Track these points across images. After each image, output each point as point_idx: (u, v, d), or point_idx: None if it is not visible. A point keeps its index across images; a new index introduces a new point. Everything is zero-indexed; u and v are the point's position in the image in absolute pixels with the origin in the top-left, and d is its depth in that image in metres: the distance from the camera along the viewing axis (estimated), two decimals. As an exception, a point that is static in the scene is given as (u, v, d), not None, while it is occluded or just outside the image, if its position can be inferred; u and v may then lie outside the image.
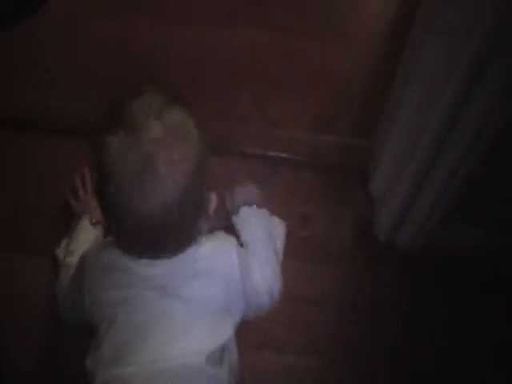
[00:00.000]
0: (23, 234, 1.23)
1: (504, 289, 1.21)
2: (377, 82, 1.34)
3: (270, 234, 1.02)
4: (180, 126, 0.73)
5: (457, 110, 0.91)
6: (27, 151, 1.30)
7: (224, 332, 0.83)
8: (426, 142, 0.99)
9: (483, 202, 1.12)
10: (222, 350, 0.83)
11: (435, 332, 1.18)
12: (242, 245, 0.95)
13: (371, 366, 1.13)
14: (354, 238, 1.24)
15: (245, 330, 0.88)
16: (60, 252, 1.10)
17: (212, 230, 0.88)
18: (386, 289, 1.19)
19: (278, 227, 1.08)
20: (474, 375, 1.14)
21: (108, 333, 0.80)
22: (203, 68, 1.37)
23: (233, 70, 1.38)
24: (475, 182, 1.04)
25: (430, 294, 1.21)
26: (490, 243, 1.20)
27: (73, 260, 0.99)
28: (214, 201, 0.82)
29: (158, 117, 0.71)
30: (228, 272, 0.83)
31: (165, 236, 0.74)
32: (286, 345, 1.12)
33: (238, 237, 0.98)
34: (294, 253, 1.14)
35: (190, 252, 0.79)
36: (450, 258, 1.21)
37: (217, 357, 0.81)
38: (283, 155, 1.31)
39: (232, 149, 1.29)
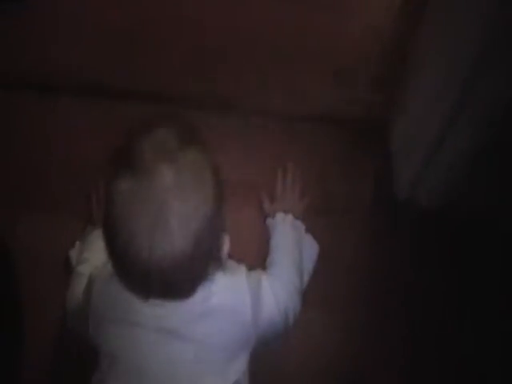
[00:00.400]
0: (49, 193, 1.24)
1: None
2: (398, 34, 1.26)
3: (299, 247, 0.98)
4: (195, 173, 0.68)
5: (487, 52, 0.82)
6: (50, 112, 1.31)
7: (237, 369, 0.80)
8: (453, 88, 0.92)
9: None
10: None
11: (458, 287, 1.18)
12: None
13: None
14: (373, 196, 1.23)
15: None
16: (73, 253, 1.09)
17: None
18: (404, 249, 1.18)
19: (312, 246, 1.03)
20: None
21: (110, 374, 0.78)
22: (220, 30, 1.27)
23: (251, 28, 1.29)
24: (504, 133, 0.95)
25: (451, 254, 1.18)
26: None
27: (85, 269, 0.97)
28: (226, 244, 0.78)
29: (171, 161, 0.66)
30: (239, 309, 0.79)
31: (174, 285, 0.72)
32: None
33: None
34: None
35: (200, 291, 0.76)
36: (471, 218, 1.18)
37: None
38: (301, 112, 1.30)
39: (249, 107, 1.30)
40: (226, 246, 0.78)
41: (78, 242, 1.10)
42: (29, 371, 1.07)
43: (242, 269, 0.83)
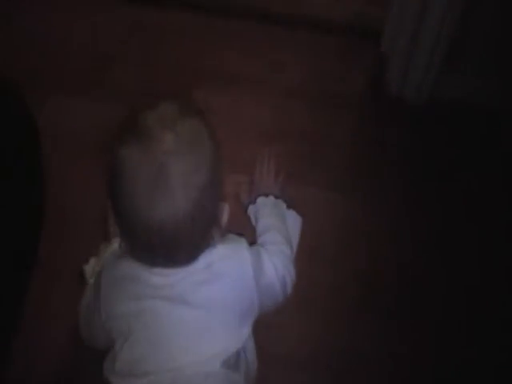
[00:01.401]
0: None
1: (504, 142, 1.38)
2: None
3: (285, 224, 1.01)
4: (193, 138, 0.72)
5: None
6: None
7: (240, 335, 0.82)
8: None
9: (480, 49, 1.33)
10: (238, 352, 0.82)
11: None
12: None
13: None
14: (367, 93, 1.44)
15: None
16: (88, 268, 1.09)
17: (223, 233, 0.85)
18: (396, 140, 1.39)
19: (295, 221, 1.06)
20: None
21: (123, 347, 0.79)
22: None
23: None
24: (469, 26, 1.25)
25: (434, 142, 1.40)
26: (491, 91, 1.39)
27: None
28: (226, 212, 0.80)
29: (171, 128, 0.71)
30: (241, 274, 0.82)
31: (176, 246, 0.74)
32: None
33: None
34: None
35: (202, 258, 0.78)
36: (454, 110, 1.41)
37: (232, 361, 0.81)
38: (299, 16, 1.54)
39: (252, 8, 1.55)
40: (225, 215, 0.80)
41: (92, 258, 1.10)
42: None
43: (243, 240, 0.85)
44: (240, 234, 0.88)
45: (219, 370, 0.78)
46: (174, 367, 0.77)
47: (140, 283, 0.79)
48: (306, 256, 1.08)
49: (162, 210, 0.69)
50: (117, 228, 0.77)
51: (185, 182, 0.69)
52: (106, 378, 0.81)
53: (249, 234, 0.94)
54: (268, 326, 1.00)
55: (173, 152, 0.69)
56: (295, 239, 1.03)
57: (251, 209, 1.04)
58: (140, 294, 0.79)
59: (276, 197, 1.04)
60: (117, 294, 0.81)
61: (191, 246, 0.76)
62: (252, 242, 0.91)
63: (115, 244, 1.02)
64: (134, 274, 0.79)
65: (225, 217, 0.80)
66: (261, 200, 1.03)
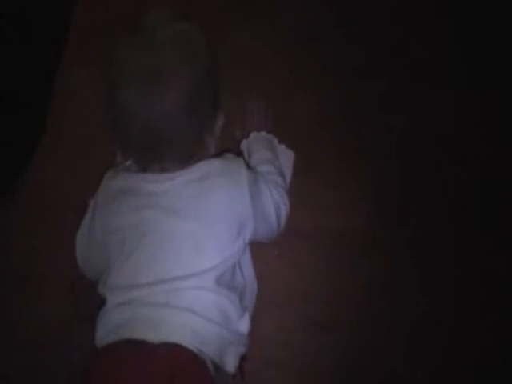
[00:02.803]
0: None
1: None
2: None
3: (277, 157, 1.02)
4: (188, 36, 0.76)
5: None
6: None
7: (234, 248, 0.81)
8: None
9: None
10: (233, 268, 0.82)
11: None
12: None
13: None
14: None
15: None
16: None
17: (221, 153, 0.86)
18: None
19: (287, 155, 1.07)
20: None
21: (119, 258, 0.78)
22: None
23: None
24: None
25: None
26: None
27: None
28: (221, 121, 0.82)
29: (166, 26, 0.75)
30: (237, 190, 0.81)
31: (169, 141, 0.76)
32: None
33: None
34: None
35: (198, 167, 0.79)
36: None
37: (227, 278, 0.80)
38: None
39: None
40: (219, 123, 0.82)
41: None
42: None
43: (241, 159, 0.86)
44: (238, 154, 0.88)
45: (212, 287, 0.77)
46: (168, 279, 0.76)
47: (135, 194, 0.79)
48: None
49: (156, 102, 0.72)
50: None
51: (178, 75, 0.72)
52: (102, 294, 0.79)
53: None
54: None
55: (167, 47, 0.73)
56: (288, 173, 1.04)
57: (244, 143, 1.05)
58: (135, 205, 0.79)
59: (267, 132, 1.05)
60: (113, 207, 0.81)
61: (181, 146, 0.77)
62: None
63: None
64: (129, 185, 0.79)
65: (219, 125, 0.82)
66: (254, 135, 1.04)
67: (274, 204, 0.88)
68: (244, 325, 0.81)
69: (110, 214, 0.80)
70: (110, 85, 0.75)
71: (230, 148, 0.97)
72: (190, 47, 0.75)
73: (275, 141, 1.05)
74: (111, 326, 0.76)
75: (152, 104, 0.72)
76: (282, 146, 1.06)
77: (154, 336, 0.73)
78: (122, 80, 0.73)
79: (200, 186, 0.78)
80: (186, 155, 0.78)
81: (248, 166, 0.87)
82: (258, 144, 1.02)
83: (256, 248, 0.91)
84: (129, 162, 0.86)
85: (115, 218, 0.80)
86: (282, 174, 0.97)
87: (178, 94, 0.72)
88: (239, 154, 0.99)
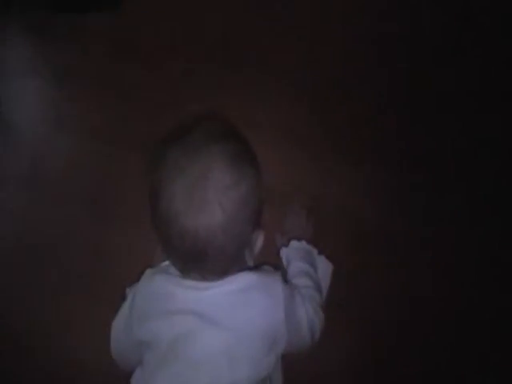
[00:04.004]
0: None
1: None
2: None
3: (316, 270, 1.02)
4: (236, 155, 0.76)
5: None
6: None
7: (268, 364, 0.81)
8: None
9: None
10: (264, 382, 0.82)
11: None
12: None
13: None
14: None
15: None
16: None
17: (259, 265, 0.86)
18: None
19: (326, 267, 1.07)
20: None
21: (148, 363, 0.80)
22: None
23: None
24: None
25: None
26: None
27: None
28: (261, 239, 0.81)
29: (216, 143, 0.76)
30: (272, 307, 0.81)
31: (208, 255, 0.75)
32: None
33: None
34: None
35: (236, 279, 0.79)
36: None
37: None
38: None
39: None
40: (260, 241, 0.81)
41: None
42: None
43: (279, 273, 0.85)
44: (276, 268, 0.88)
45: None
46: None
47: (173, 298, 0.79)
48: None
49: (197, 218, 0.72)
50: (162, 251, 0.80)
51: (222, 193, 0.72)
52: None
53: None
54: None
55: (214, 164, 0.73)
56: (325, 286, 1.03)
57: (283, 251, 1.05)
58: (172, 310, 0.79)
59: (308, 242, 1.05)
60: (149, 306, 0.81)
61: (222, 261, 0.77)
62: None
63: None
64: (168, 289, 0.80)
65: (259, 243, 0.81)
66: (293, 244, 1.04)
67: (309, 321, 0.87)
68: None
69: (147, 316, 0.81)
70: (153, 190, 0.75)
71: (270, 251, 0.98)
72: (239, 164, 0.75)
73: (315, 252, 1.05)
74: None
75: (192, 218, 0.72)
76: (322, 257, 1.06)
77: None
78: (166, 190, 0.73)
79: (236, 299, 0.79)
80: (225, 268, 0.79)
81: (285, 279, 0.87)
82: (297, 254, 1.03)
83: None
84: (167, 263, 0.86)
85: (152, 321, 0.80)
86: (318, 289, 0.97)
87: (220, 212, 0.72)
88: (277, 263, 0.99)
